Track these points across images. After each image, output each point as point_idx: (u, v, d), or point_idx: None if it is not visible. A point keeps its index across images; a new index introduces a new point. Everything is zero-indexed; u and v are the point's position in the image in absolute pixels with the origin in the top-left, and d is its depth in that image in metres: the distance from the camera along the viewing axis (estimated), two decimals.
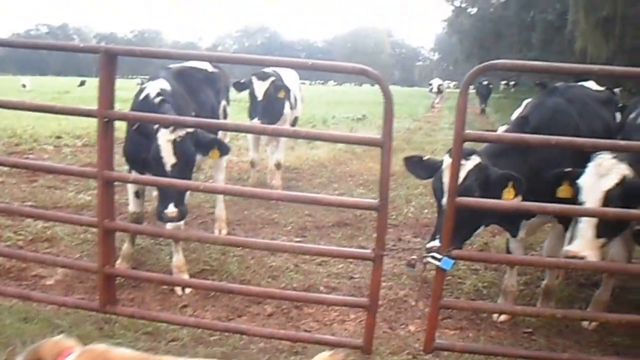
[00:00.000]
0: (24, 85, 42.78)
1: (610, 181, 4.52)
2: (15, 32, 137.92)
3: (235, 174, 11.77)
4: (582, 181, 4.63)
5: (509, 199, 4.65)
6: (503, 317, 5.69)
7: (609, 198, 4.47)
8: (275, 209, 8.89)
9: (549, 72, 4.75)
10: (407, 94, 60.70)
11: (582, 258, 4.43)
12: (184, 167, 5.39)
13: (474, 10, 57.01)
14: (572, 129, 5.37)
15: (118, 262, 6.29)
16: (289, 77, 10.57)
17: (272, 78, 9.55)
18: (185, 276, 6.14)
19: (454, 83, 66.09)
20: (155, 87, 5.97)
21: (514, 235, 5.64)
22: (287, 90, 9.86)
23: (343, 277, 6.58)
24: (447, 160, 4.65)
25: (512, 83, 58.56)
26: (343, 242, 7.72)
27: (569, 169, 4.74)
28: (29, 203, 8.78)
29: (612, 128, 5.93)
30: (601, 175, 4.53)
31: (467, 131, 4.18)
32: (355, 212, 8.66)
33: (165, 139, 5.29)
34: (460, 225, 4.47)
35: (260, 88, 9.45)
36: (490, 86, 35.75)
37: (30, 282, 6.11)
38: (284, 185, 10.59)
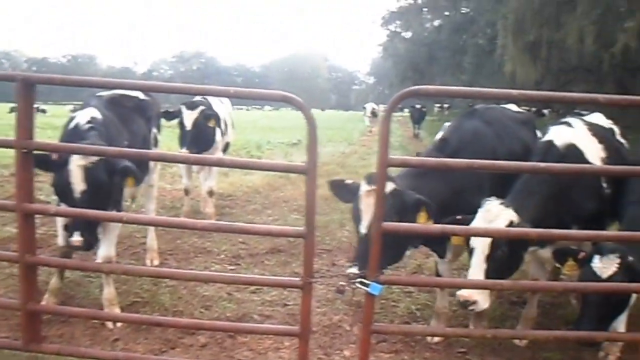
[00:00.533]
0: None
1: (498, 227, 4.61)
2: None
3: (168, 202, 11.62)
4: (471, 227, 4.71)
5: (423, 223, 4.71)
6: (437, 339, 5.74)
7: (496, 244, 4.57)
8: (208, 237, 8.80)
9: (470, 97, 4.85)
10: (343, 118, 61.28)
11: (474, 302, 4.51)
12: (95, 194, 5.17)
13: (408, 35, 57.97)
14: (490, 151, 5.53)
15: (46, 296, 6.15)
16: (219, 104, 10.39)
17: (202, 107, 9.41)
18: (116, 309, 6.02)
19: None
20: (85, 116, 5.83)
21: (442, 257, 5.72)
22: (217, 119, 9.65)
23: (277, 305, 6.54)
24: (363, 187, 4.74)
25: (446, 106, 59.64)
26: (277, 269, 7.69)
27: (460, 217, 4.78)
28: None
29: (531, 149, 6.04)
30: (489, 221, 4.62)
31: (391, 156, 4.19)
32: (289, 238, 8.58)
33: (75, 164, 5.08)
34: (385, 250, 4.49)
35: (189, 117, 9.30)
36: (424, 110, 36.33)
37: None
38: (218, 213, 10.53)
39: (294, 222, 9.98)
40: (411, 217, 4.69)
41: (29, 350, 4.85)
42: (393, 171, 4.81)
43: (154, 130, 7.54)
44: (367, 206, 4.69)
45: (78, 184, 5.10)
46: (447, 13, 53.32)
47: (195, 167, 10.43)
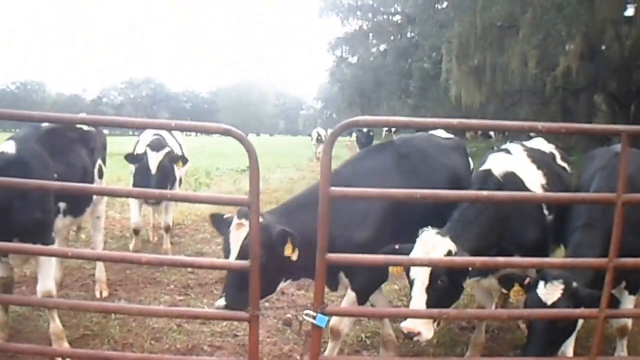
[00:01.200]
0: None
1: (440, 256, 4.60)
2: None
3: (117, 232, 11.51)
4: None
5: (290, 254, 4.80)
6: None
7: (436, 274, 4.56)
8: (157, 268, 8.73)
9: (410, 127, 4.84)
10: (292, 143, 61.23)
11: (418, 334, 4.51)
12: None
13: (354, 60, 58.21)
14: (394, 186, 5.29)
15: None
16: (169, 135, 10.13)
17: (167, 149, 9.08)
18: (65, 343, 5.95)
19: None
20: None
21: (333, 290, 5.69)
22: (185, 160, 9.48)
23: (227, 336, 6.54)
24: (234, 221, 4.82)
25: (394, 130, 59.92)
26: None
27: (397, 246, 4.74)
28: None
29: (462, 175, 6.12)
30: (427, 252, 4.60)
31: (332, 188, 4.16)
32: None
33: None
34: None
35: (154, 160, 8.85)
36: (371, 134, 36.51)
37: None
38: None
39: None
40: (279, 249, 4.76)
41: None
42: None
43: (99, 162, 7.48)
44: (236, 239, 4.76)
45: None
46: (392, 38, 53.82)
47: (148, 206, 10.04)
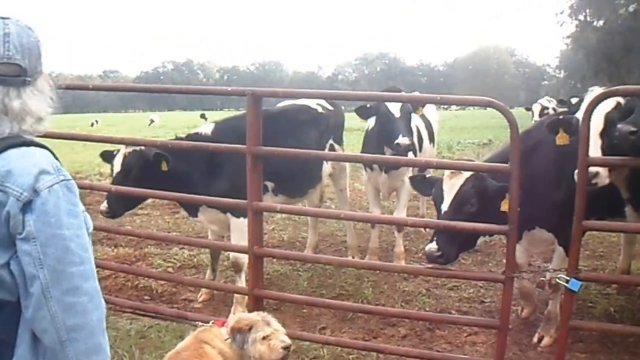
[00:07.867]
0: (152, 121, 45.54)
1: None
2: (143, 70, 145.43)
3: (365, 203, 11.17)
4: None
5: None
6: None
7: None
8: (406, 237, 8.88)
9: None
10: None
11: (596, 174, 4.41)
12: None
13: (600, 23, 54.48)
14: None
15: None
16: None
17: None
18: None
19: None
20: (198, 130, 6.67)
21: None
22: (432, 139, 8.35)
23: (474, 302, 6.75)
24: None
25: None
26: (473, 267, 7.84)
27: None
28: (174, 233, 9.36)
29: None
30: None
31: (592, 156, 4.30)
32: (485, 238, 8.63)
33: None
34: None
35: (395, 105, 6.98)
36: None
37: (181, 305, 6.67)
38: (412, 214, 10.38)
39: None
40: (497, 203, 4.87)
41: None
42: None
43: (330, 141, 7.55)
44: (451, 187, 4.99)
45: None
46: None
47: (383, 193, 8.43)
